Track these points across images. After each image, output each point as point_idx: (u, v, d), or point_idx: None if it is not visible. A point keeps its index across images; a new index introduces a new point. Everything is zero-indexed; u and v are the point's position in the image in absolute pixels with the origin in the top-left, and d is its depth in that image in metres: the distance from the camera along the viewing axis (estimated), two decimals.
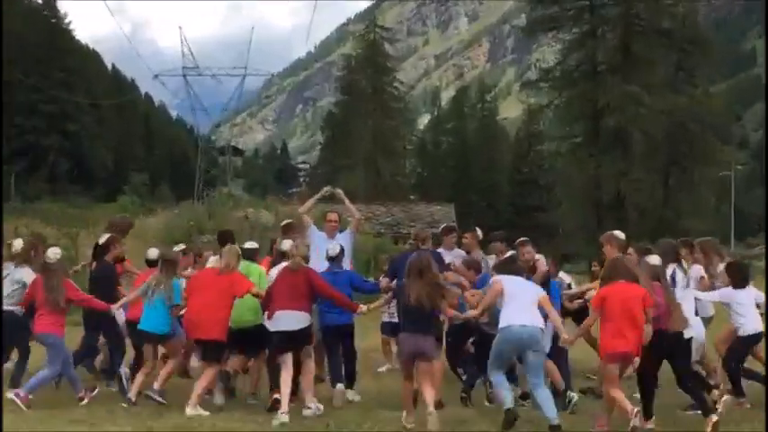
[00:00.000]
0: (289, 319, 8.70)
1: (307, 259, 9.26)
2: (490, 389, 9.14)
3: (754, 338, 9.40)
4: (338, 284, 9.29)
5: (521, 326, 8.03)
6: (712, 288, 9.74)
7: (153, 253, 10.18)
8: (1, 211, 26.03)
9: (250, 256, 9.79)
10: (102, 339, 10.07)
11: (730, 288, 9.42)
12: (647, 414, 8.12)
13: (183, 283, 9.43)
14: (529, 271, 9.40)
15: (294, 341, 8.73)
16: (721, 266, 10.08)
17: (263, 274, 9.68)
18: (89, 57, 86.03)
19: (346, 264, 10.21)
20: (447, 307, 8.52)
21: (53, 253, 9.13)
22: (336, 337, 9.59)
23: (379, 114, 70.41)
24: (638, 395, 8.44)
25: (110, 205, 43.72)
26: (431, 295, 8.09)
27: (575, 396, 9.14)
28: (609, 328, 7.90)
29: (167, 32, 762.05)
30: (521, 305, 8.18)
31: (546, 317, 8.39)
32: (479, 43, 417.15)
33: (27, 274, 9.54)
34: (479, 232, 11.59)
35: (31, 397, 8.66)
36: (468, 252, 11.20)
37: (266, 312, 8.95)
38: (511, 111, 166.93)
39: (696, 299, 9.35)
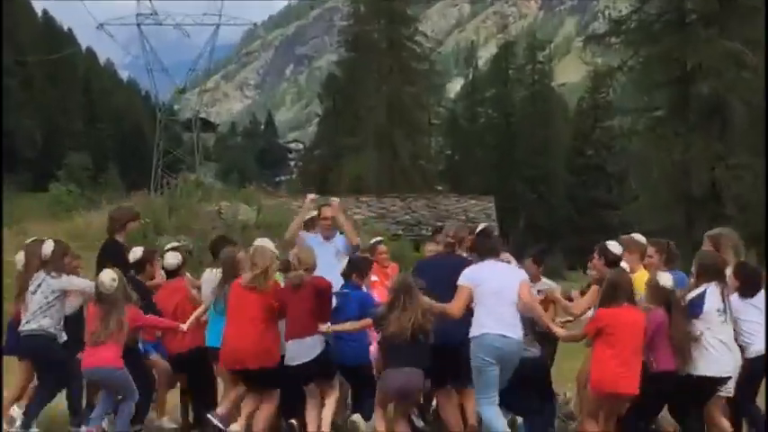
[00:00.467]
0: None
1: (312, 268, 9.77)
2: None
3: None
4: (348, 312, 10.02)
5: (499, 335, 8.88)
6: None
7: (174, 259, 11.11)
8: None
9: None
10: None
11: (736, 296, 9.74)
12: None
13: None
14: None
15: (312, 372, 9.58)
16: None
17: None
18: None
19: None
20: None
21: (109, 279, 9.81)
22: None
23: (395, 78, 70.32)
24: None
25: (39, 195, 43.93)
26: (419, 323, 8.96)
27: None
28: (612, 357, 8.68)
29: None
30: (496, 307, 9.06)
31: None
32: None
33: (68, 283, 10.50)
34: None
35: None
36: None
37: None
38: (570, 74, 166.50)
39: None
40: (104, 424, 10.35)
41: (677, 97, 49.50)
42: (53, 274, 10.42)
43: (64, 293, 10.47)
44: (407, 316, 8.87)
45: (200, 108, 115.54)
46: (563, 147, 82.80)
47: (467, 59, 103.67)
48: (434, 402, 10.62)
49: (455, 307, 9.18)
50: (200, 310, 10.58)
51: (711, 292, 9.18)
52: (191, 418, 11.32)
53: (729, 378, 9.10)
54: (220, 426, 9.79)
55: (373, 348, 10.66)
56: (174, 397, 11.63)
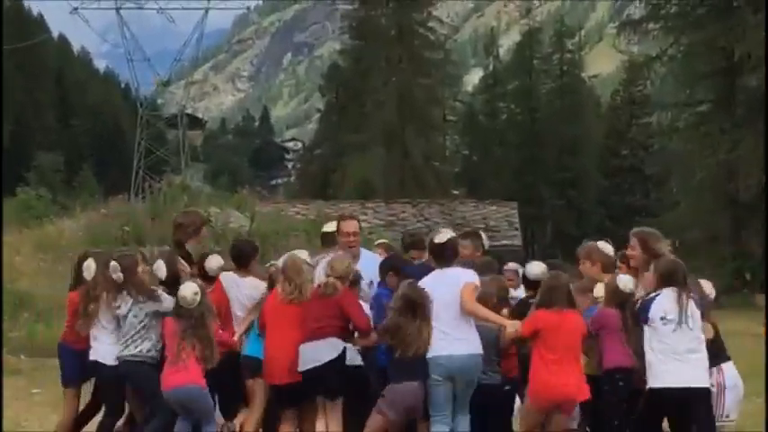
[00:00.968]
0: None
1: (346, 278, 10.02)
2: None
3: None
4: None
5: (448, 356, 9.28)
6: None
7: (216, 263, 11.12)
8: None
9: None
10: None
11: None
12: None
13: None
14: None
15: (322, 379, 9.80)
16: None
17: None
18: None
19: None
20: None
21: (191, 293, 9.92)
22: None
23: (406, 69, 70.54)
24: None
25: (5, 201, 43.90)
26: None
27: None
28: (551, 363, 9.16)
29: None
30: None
31: None
32: None
33: (158, 305, 10.26)
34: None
35: None
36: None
37: None
38: (603, 65, 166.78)
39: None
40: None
41: (723, 90, 49.60)
42: (140, 298, 10.33)
43: (159, 313, 10.33)
44: (427, 329, 9.23)
45: (186, 103, 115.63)
46: (594, 146, 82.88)
47: (486, 48, 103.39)
48: None
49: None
50: (248, 321, 10.87)
51: (663, 298, 9.25)
52: None
53: (683, 392, 9.04)
54: None
55: None
56: None
